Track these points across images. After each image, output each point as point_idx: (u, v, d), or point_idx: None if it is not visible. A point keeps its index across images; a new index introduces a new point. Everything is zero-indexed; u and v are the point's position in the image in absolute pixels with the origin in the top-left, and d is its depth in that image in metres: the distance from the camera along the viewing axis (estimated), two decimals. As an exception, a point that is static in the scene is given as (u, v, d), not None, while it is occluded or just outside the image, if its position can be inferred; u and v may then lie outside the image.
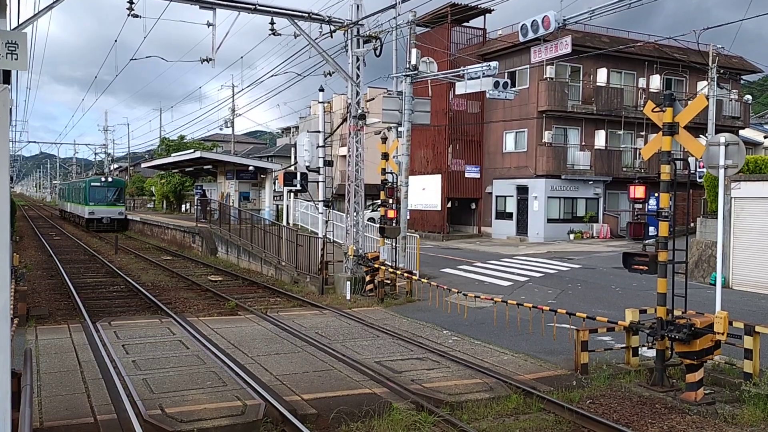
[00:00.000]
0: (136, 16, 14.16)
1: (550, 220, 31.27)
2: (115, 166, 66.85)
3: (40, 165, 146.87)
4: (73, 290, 17.30)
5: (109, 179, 45.46)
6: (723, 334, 7.82)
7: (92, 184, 43.49)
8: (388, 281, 16.05)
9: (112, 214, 42.81)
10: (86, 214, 42.80)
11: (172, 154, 41.90)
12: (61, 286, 19.03)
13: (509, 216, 33.26)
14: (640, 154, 31.31)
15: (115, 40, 19.15)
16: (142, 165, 59.88)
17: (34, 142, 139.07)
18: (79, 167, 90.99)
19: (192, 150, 39.09)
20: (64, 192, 60.98)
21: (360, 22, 16.57)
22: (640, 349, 9.57)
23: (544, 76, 30.54)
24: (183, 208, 52.89)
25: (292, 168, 26.65)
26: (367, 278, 16.19)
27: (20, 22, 12.28)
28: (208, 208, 31.73)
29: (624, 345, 9.60)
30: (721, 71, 31.06)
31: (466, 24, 35.99)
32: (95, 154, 71.42)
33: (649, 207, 22.90)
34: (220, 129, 51.41)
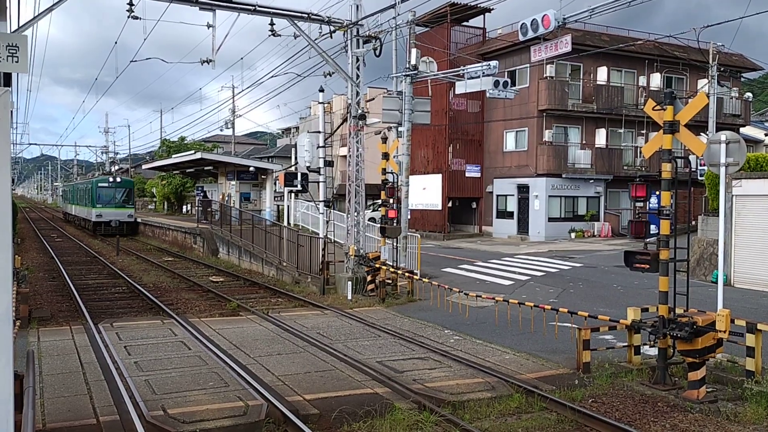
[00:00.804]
0: (136, 17, 14.17)
1: (551, 219, 31.26)
2: (116, 167, 66.87)
3: (41, 167, 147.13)
4: (74, 292, 17.31)
5: (118, 179, 42.94)
6: (725, 332, 7.81)
7: (99, 184, 40.98)
8: (390, 281, 16.05)
9: (120, 217, 40.16)
10: (93, 217, 40.30)
11: (173, 156, 41.87)
12: (62, 287, 19.05)
13: (510, 215, 33.26)
14: (641, 152, 31.31)
15: (116, 42, 19.16)
16: (143, 166, 59.85)
17: (35, 144, 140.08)
18: (80, 169, 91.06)
19: (193, 151, 39.08)
20: (68, 193, 58.10)
21: (359, 23, 16.57)
22: (642, 347, 9.57)
23: (544, 75, 30.54)
24: (184, 209, 52.93)
25: (293, 168, 26.68)
26: (369, 278, 16.19)
27: (20, 25, 12.29)
28: (209, 209, 31.73)
29: (626, 343, 9.60)
30: (722, 69, 31.07)
31: (465, 23, 35.97)
32: (102, 154, 71.39)
33: (651, 205, 22.91)
34: (221, 130, 51.50)
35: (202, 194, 39.50)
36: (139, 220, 42.69)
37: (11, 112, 5.11)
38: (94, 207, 40.29)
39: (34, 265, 24.14)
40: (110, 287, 19.56)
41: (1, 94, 3.48)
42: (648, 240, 9.21)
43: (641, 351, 9.57)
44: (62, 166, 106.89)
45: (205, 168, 38.17)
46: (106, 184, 41.05)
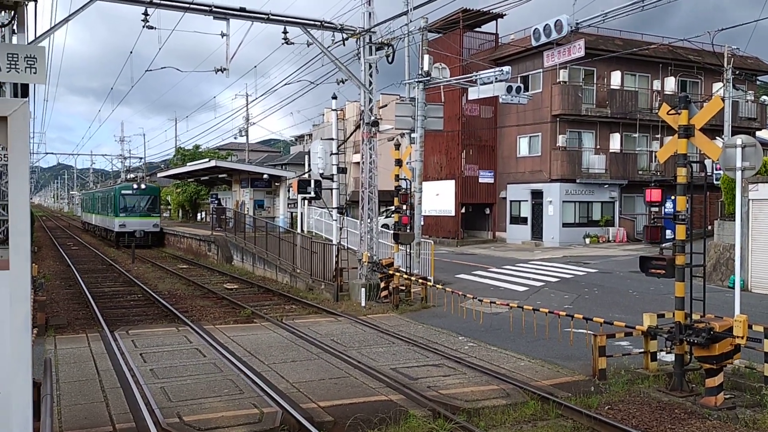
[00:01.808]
0: (151, 27, 14.34)
1: (565, 225, 31.09)
2: (131, 176, 67.55)
3: (57, 176, 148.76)
4: (91, 300, 17.46)
5: (142, 186, 39.90)
6: (743, 337, 7.72)
7: (123, 191, 38.15)
8: (403, 287, 16.03)
9: (146, 227, 37.42)
10: (116, 227, 37.39)
11: (188, 164, 42.09)
12: (79, 295, 19.22)
13: (524, 221, 33.13)
14: (655, 157, 31.08)
15: (131, 52, 19.39)
16: (158, 175, 60.28)
17: (52, 153, 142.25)
18: (96, 177, 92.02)
19: (207, 159, 39.32)
20: (88, 202, 54.77)
21: (372, 30, 16.64)
22: (658, 353, 9.48)
23: (558, 80, 30.45)
24: (198, 217, 53.25)
25: (306, 175, 26.74)
26: (382, 285, 16.18)
27: (37, 36, 12.49)
28: (224, 217, 31.90)
29: (642, 350, 9.51)
30: (737, 72, 30.78)
31: (478, 29, 36.01)
32: (118, 163, 72.03)
33: (666, 210, 22.70)
34: (235, 138, 51.78)
35: (216, 202, 39.63)
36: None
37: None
38: (116, 216, 37.56)
39: (50, 273, 24.40)
40: (126, 295, 19.70)
41: (19, 106, 3.54)
42: (664, 245, 9.12)
43: (658, 357, 9.47)
44: (78, 174, 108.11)
45: (220, 176, 38.41)
46: (129, 191, 38.36)
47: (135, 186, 39.50)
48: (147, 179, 66.15)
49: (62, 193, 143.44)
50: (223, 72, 15.65)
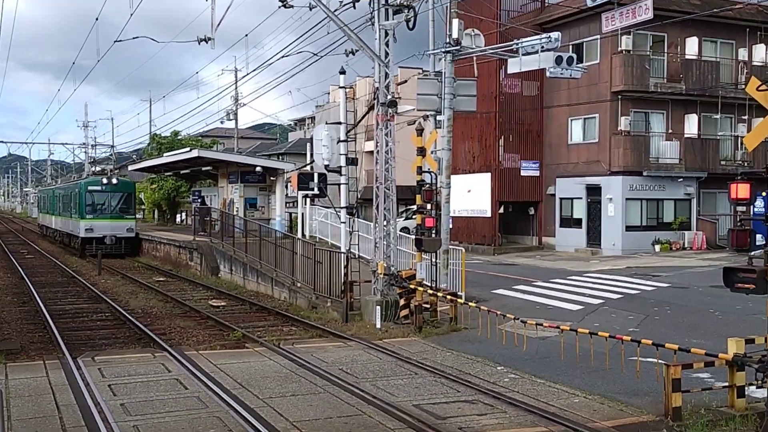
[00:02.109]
0: (121, -12, 14.49)
1: (629, 228, 30.93)
2: (98, 168, 68.41)
3: (8, 169, 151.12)
4: (49, 319, 17.67)
5: (113, 180, 39.36)
6: None
7: (90, 187, 37.78)
8: (427, 305, 16.04)
9: (118, 231, 37.03)
10: (82, 232, 36.75)
11: (165, 154, 42.47)
12: (34, 314, 19.48)
13: (577, 223, 33.03)
14: (742, 143, 30.79)
15: (96, 19, 19.67)
16: (129, 167, 60.77)
17: (2, 141, 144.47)
18: (55, 170, 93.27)
19: (188, 148, 39.63)
20: (46, 200, 54.45)
21: (389, -11, 16.67)
22: (746, 388, 9.38)
23: (619, 49, 30.26)
24: (178, 219, 53.81)
25: (308, 168, 26.90)
26: (402, 302, 16.20)
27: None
28: (208, 219, 32.18)
29: (726, 383, 9.42)
30: None
31: (519, -13, 35.96)
32: (84, 152, 72.92)
33: (756, 210, 22.46)
34: (221, 122, 52.29)
35: (199, 200, 39.96)
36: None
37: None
38: (82, 218, 37.06)
39: (0, 287, 24.73)
40: (91, 313, 19.94)
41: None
42: (753, 254, 9.04)
43: (746, 393, 9.38)
44: (34, 167, 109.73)
45: (203, 168, 38.74)
46: (98, 188, 37.90)
47: (105, 181, 39.01)
48: (117, 173, 66.83)
49: (14, 190, 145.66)
50: (207, 42, 15.81)
